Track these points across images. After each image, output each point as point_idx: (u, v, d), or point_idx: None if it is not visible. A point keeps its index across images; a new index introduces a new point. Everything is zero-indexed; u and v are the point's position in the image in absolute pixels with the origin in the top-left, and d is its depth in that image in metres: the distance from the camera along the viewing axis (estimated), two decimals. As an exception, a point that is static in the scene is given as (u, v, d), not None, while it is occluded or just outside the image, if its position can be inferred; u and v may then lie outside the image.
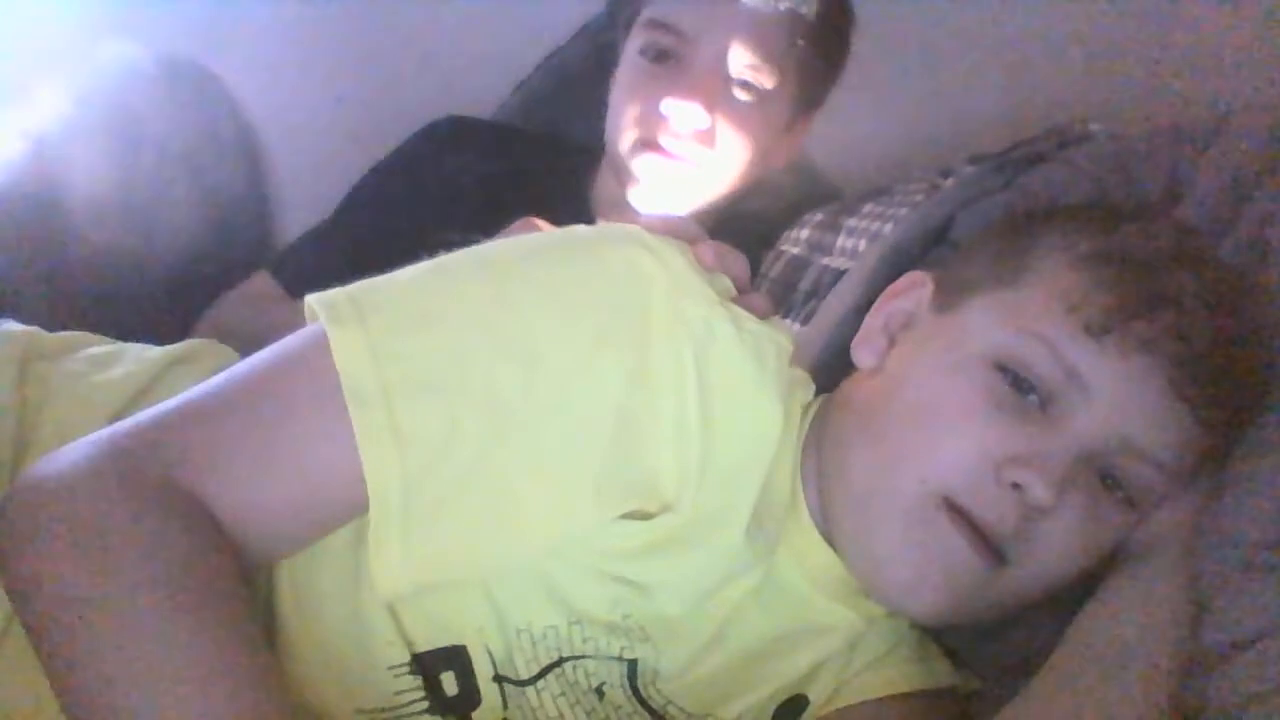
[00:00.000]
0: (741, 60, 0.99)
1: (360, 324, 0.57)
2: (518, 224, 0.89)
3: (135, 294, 0.99)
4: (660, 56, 1.01)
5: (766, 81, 1.00)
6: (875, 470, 0.63)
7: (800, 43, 1.00)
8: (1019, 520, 0.60)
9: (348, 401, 0.55)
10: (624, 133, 1.04)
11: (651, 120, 1.01)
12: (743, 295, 0.66)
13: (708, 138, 1.01)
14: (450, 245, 0.63)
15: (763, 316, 0.64)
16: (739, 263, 0.67)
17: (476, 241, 0.63)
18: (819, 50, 1.03)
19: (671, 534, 0.61)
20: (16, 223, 0.98)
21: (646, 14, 1.02)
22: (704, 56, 0.99)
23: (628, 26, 1.05)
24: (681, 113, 0.99)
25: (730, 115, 1.01)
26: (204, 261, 1.07)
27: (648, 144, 1.02)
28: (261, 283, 1.08)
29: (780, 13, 0.98)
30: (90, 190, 1.00)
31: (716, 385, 0.60)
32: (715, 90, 0.99)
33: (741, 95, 1.01)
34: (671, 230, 0.64)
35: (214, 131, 1.09)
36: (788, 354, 0.65)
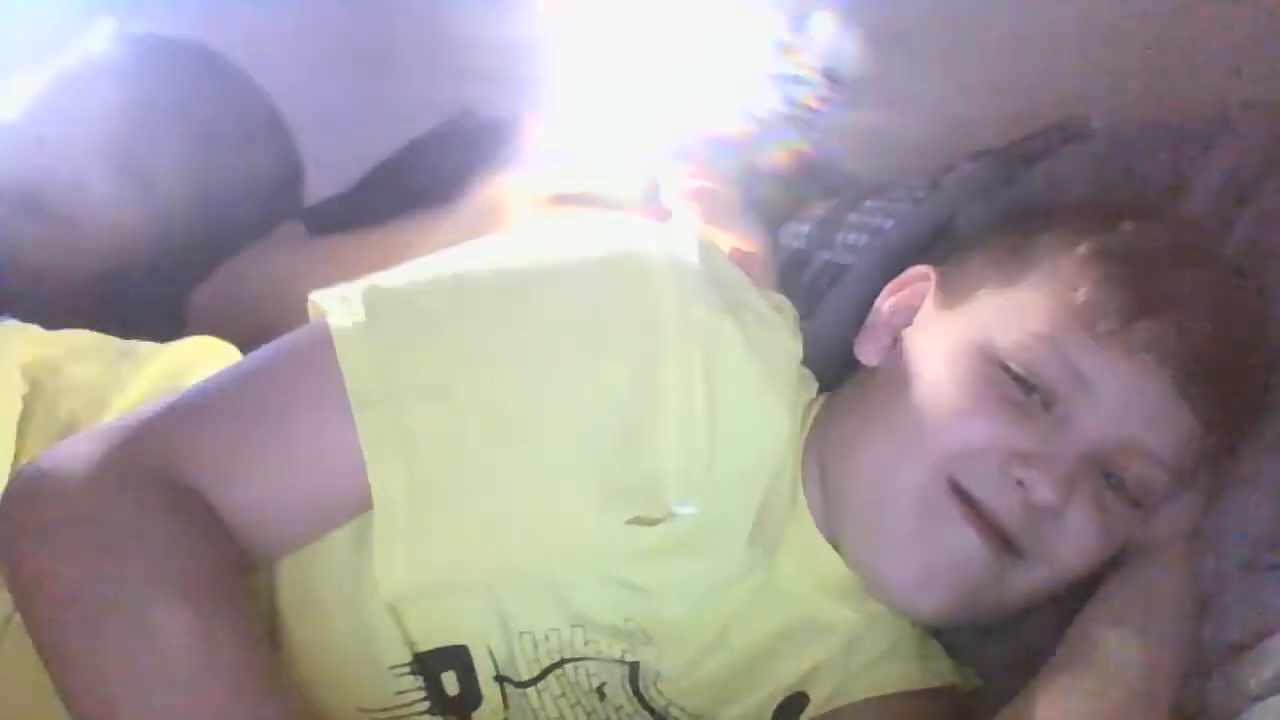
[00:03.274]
0: None
1: (366, 324, 0.56)
2: None
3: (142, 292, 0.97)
4: None
5: None
6: (881, 464, 0.63)
7: None
8: (1025, 518, 0.60)
9: (352, 404, 0.54)
10: None
11: None
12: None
13: None
14: None
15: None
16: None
17: None
18: None
19: (675, 539, 0.61)
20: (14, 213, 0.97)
21: None
22: None
23: None
24: None
25: None
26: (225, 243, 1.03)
27: None
28: (290, 230, 1.06)
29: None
30: (97, 175, 0.98)
31: (723, 393, 0.60)
32: None
33: None
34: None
35: (227, 107, 1.06)
36: (796, 360, 0.65)
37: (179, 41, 1.07)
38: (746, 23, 0.92)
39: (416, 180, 1.05)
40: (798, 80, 0.88)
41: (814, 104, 0.91)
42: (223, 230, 1.01)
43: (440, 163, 1.05)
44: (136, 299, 0.94)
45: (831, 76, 0.93)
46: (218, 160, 1.03)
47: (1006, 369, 0.62)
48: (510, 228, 0.77)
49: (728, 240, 0.68)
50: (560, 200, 0.78)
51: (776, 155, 0.84)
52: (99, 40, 1.03)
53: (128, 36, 1.03)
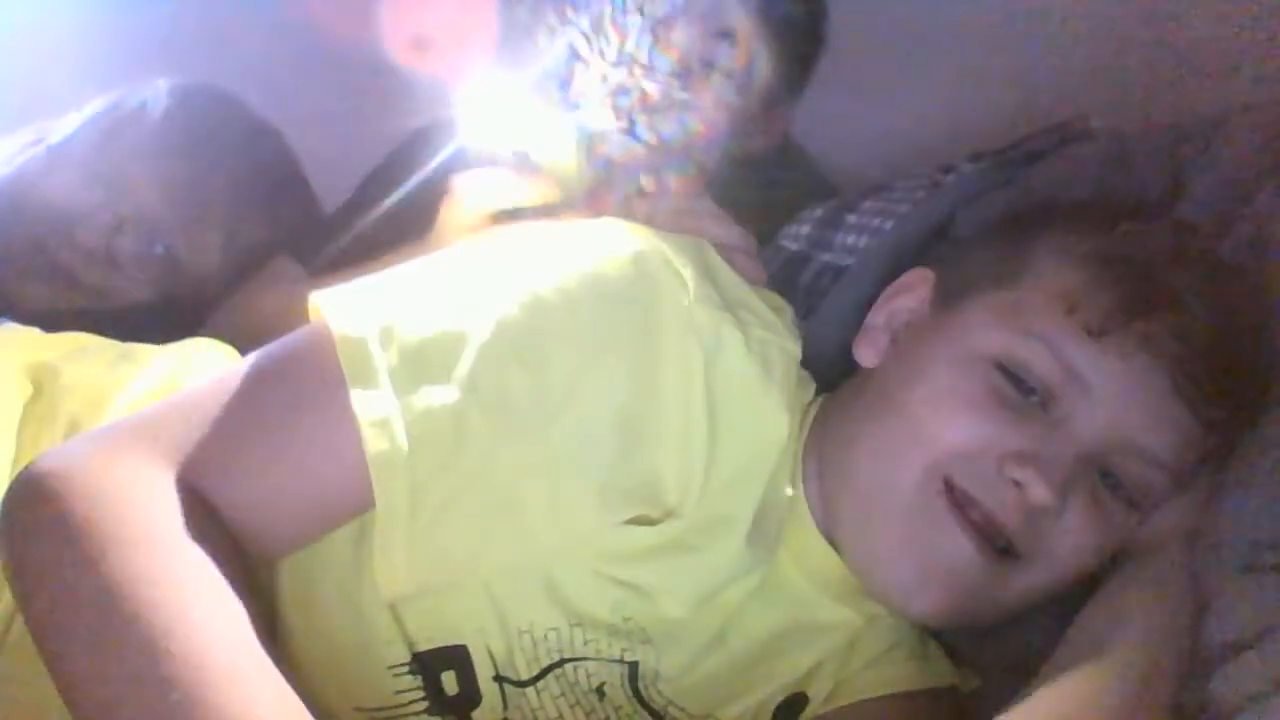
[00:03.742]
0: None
1: (366, 323, 0.56)
2: None
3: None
4: None
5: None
6: (878, 464, 0.63)
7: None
8: (1022, 518, 0.60)
9: (353, 402, 0.55)
10: None
11: None
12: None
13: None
14: None
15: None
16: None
17: None
18: (789, 50, 1.00)
19: (674, 539, 0.61)
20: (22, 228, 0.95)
21: None
22: None
23: None
24: None
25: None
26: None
27: None
28: (281, 265, 1.07)
29: None
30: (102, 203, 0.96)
31: (723, 393, 0.60)
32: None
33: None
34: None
35: (257, 174, 1.05)
36: (795, 360, 0.65)
37: (215, 104, 1.05)
38: (644, 45, 0.91)
39: (398, 196, 1.04)
40: (689, 106, 0.88)
41: (706, 131, 0.90)
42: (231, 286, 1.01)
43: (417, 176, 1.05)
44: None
45: (735, 104, 0.93)
46: (242, 232, 1.02)
47: (1004, 370, 0.62)
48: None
49: (710, 236, 0.68)
50: (498, 218, 0.78)
51: (676, 180, 0.84)
52: (143, 94, 1.00)
53: (168, 98, 1.01)
